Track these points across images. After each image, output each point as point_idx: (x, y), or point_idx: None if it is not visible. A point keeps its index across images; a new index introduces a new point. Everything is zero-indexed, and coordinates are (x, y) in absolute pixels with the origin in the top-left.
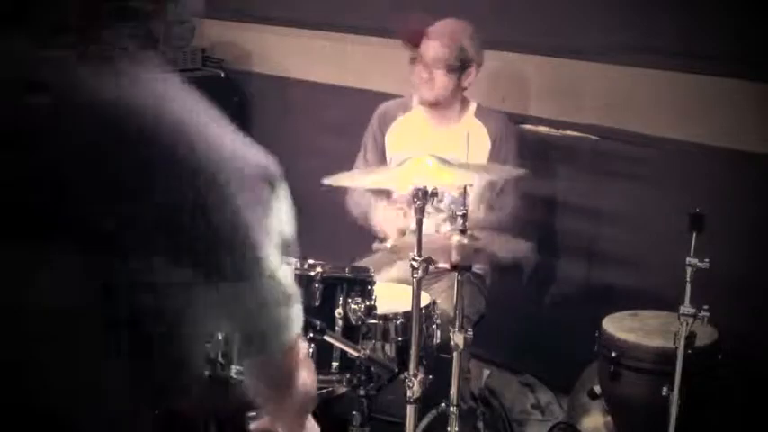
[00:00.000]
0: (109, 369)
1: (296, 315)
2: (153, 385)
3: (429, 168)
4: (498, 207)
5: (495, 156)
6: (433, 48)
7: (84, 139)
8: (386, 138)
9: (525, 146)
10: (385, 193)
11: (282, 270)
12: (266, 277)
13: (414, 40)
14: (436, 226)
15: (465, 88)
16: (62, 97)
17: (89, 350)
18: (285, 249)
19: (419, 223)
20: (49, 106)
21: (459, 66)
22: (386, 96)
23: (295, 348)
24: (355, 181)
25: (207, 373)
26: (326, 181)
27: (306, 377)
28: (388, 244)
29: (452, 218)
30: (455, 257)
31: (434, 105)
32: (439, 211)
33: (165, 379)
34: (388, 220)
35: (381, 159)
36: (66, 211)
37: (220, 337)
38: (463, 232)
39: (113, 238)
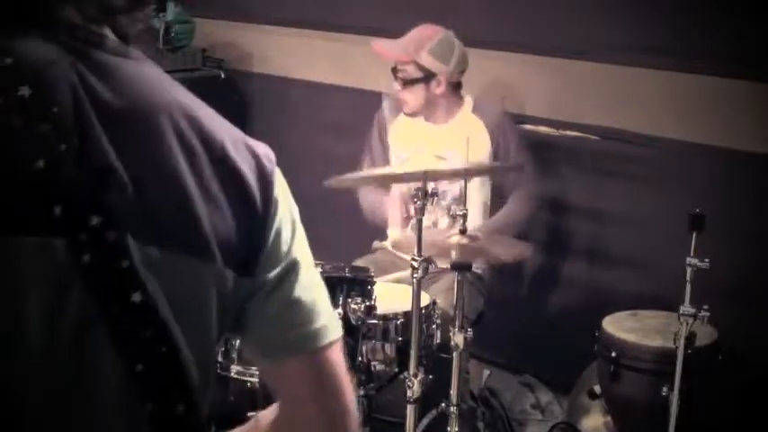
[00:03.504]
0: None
1: None
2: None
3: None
4: (510, 203)
5: (494, 151)
6: (391, 66)
7: None
8: (387, 139)
9: (526, 145)
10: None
11: None
12: None
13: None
14: (434, 221)
15: (437, 95)
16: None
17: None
18: None
19: (419, 223)
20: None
21: (423, 77)
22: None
23: None
24: (357, 181)
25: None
26: (328, 182)
27: None
28: (388, 243)
29: (453, 218)
30: (455, 257)
31: (416, 115)
32: (440, 208)
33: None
34: (394, 210)
35: (387, 161)
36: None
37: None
38: (463, 232)
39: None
